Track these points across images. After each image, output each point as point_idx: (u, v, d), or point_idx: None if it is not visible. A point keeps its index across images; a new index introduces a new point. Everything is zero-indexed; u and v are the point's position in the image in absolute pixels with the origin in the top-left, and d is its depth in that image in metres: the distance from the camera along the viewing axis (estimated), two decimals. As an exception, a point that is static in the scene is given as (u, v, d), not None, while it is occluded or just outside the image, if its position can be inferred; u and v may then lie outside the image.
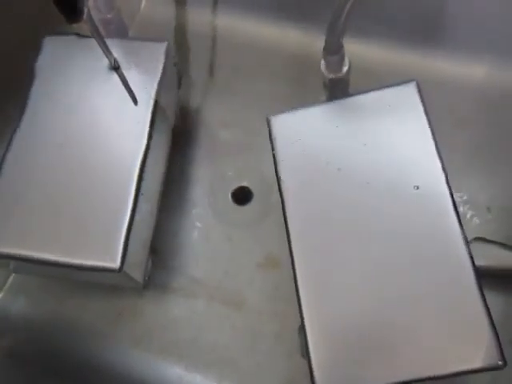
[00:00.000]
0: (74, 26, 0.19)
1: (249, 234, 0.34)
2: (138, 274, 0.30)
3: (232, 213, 0.35)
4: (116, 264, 0.26)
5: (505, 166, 0.33)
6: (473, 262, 0.23)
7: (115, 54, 0.27)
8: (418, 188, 0.25)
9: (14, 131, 0.30)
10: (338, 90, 0.27)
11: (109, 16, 0.32)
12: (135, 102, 0.26)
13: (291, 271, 0.24)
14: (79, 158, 0.29)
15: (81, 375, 0.32)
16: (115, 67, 0.25)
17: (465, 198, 0.33)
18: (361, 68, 0.28)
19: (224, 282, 0.33)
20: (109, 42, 0.27)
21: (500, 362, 0.21)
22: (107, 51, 0.24)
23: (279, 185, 0.26)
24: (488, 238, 0.29)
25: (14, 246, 0.27)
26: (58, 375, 0.32)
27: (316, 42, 0.26)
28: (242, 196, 0.35)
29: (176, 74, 0.35)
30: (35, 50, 0.32)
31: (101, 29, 0.32)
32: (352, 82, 0.28)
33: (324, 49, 0.25)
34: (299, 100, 0.29)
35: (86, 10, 0.18)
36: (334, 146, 0.27)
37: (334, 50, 0.25)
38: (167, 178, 0.34)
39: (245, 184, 0.36)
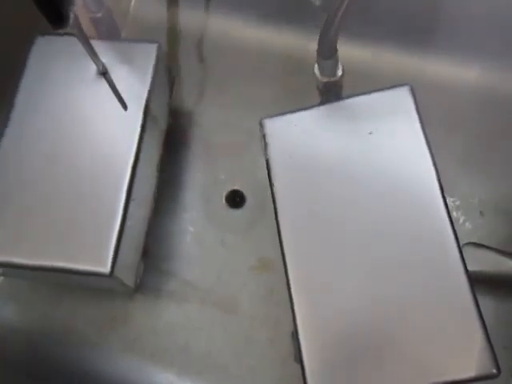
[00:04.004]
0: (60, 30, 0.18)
1: (242, 238, 0.34)
2: (129, 278, 0.30)
3: (225, 216, 0.35)
4: (106, 268, 0.26)
5: (498, 171, 0.33)
6: (465, 268, 0.23)
7: (105, 57, 0.27)
8: (410, 192, 0.25)
9: (1, 134, 0.29)
10: (331, 93, 0.27)
11: (99, 15, 0.32)
12: (125, 107, 0.26)
13: (284, 275, 0.24)
14: (69, 162, 0.28)
15: (71, 381, 0.32)
16: (103, 72, 0.25)
17: (457, 202, 0.33)
18: (354, 71, 0.28)
19: (217, 285, 0.33)
20: (98, 43, 0.26)
21: (494, 371, 0.21)
22: (94, 56, 0.24)
23: (272, 188, 0.26)
24: (481, 242, 0.29)
25: (3, 253, 0.27)
26: (48, 381, 0.32)
27: (310, 44, 0.26)
28: (235, 199, 0.35)
29: (168, 76, 0.35)
30: (26, 49, 0.31)
31: (91, 29, 0.32)
32: (346, 85, 0.27)
33: (317, 53, 0.24)
34: (293, 103, 0.29)
35: (72, 16, 0.18)
36: (327, 150, 0.26)
37: (327, 55, 0.24)
38: (160, 181, 0.34)
39: (238, 187, 0.35)
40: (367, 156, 0.26)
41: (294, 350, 0.24)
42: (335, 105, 0.27)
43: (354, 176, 0.25)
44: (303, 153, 0.27)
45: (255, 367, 0.31)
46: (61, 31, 0.18)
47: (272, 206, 0.26)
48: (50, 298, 0.34)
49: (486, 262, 0.28)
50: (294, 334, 0.23)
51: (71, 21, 0.18)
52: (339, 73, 0.26)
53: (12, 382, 0.32)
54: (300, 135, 0.27)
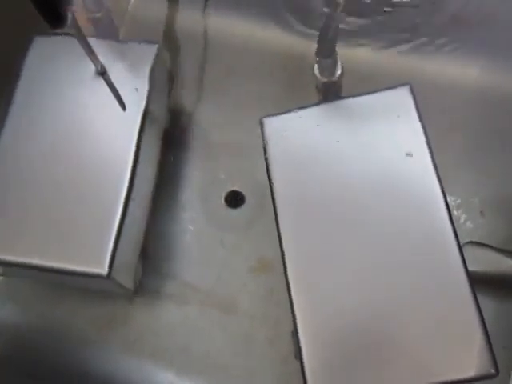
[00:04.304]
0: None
1: (241, 238, 0.34)
2: (127, 280, 0.30)
3: (224, 216, 0.35)
4: (104, 270, 0.26)
5: (498, 170, 0.33)
6: (466, 267, 0.23)
7: (104, 56, 0.26)
8: (410, 192, 0.25)
9: (-1, 134, 0.29)
10: (331, 93, 0.27)
11: (98, 15, 0.32)
12: (123, 107, 0.26)
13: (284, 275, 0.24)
14: (67, 162, 0.28)
15: (70, 381, 0.32)
16: (101, 72, 0.25)
17: (458, 201, 0.33)
18: (354, 71, 0.28)
19: (216, 286, 0.33)
20: (98, 43, 0.26)
21: (492, 371, 0.21)
22: (93, 56, 0.24)
23: (271, 187, 0.26)
24: (481, 241, 0.29)
25: (1, 251, 0.27)
26: (47, 381, 0.32)
27: (310, 43, 0.25)
28: (234, 199, 0.35)
29: (167, 76, 0.34)
30: (24, 49, 0.31)
31: (90, 28, 0.32)
32: (346, 84, 0.27)
33: (316, 52, 0.24)
34: (292, 102, 0.28)
35: (70, 16, 0.18)
36: (327, 149, 0.26)
37: (326, 54, 0.24)
38: (159, 181, 0.34)
39: (237, 187, 0.35)
40: (367, 155, 0.26)
41: (293, 348, 0.24)
42: (335, 104, 0.27)
43: (354, 175, 0.25)
44: (303, 152, 0.26)
45: (255, 367, 0.30)
46: (59, 31, 0.18)
47: (271, 205, 0.26)
48: (49, 297, 0.34)
49: (487, 262, 0.28)
50: (294, 333, 0.23)
51: (69, 21, 0.18)
52: (338, 72, 0.26)
53: (11, 382, 0.32)
54: (300, 134, 0.27)
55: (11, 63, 0.31)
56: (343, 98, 0.27)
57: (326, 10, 0.21)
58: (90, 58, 0.24)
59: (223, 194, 0.35)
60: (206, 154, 0.36)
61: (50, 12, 0.17)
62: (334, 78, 0.26)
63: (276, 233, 0.25)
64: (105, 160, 0.28)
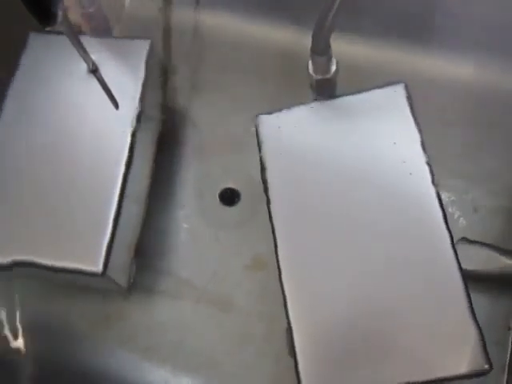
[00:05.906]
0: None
1: (236, 235, 0.34)
2: (121, 278, 0.30)
3: (219, 213, 0.35)
4: (98, 268, 0.26)
5: (492, 167, 0.33)
6: (459, 264, 0.23)
7: (97, 54, 0.26)
8: (404, 190, 0.25)
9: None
10: (325, 90, 0.27)
11: (91, 10, 0.31)
12: (116, 106, 0.25)
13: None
14: (60, 160, 0.28)
15: (65, 379, 0.32)
16: (93, 70, 0.24)
17: (452, 198, 0.33)
18: (349, 68, 0.28)
19: (211, 283, 0.33)
20: (91, 40, 0.26)
21: (486, 366, 0.21)
22: (84, 54, 0.23)
23: (265, 185, 0.26)
24: (475, 238, 0.29)
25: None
26: (42, 379, 0.32)
27: (305, 40, 0.25)
28: (229, 196, 0.35)
29: (161, 73, 0.34)
30: (20, 46, 0.31)
31: (83, 24, 0.32)
32: (340, 81, 0.27)
33: (311, 49, 0.24)
34: (287, 99, 0.28)
35: (60, 13, 0.17)
36: (322, 147, 0.26)
37: (321, 51, 0.24)
38: (154, 178, 0.33)
39: (232, 184, 0.35)
40: (361, 153, 0.26)
41: (287, 345, 0.24)
42: (330, 102, 0.27)
43: (348, 173, 0.25)
44: (297, 150, 0.26)
45: (250, 364, 0.31)
46: (50, 29, 0.18)
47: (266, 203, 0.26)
48: (43, 295, 0.33)
49: (480, 259, 0.28)
50: (288, 330, 0.23)
51: (59, 18, 0.18)
52: (333, 70, 0.26)
53: (5, 381, 0.32)
54: (294, 132, 0.27)
55: (6, 60, 0.31)
56: (338, 95, 0.27)
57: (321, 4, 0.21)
58: (81, 56, 0.24)
59: (218, 192, 0.35)
60: (200, 152, 0.36)
61: (40, 10, 0.16)
62: (328, 75, 0.26)
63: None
64: (99, 158, 0.28)
